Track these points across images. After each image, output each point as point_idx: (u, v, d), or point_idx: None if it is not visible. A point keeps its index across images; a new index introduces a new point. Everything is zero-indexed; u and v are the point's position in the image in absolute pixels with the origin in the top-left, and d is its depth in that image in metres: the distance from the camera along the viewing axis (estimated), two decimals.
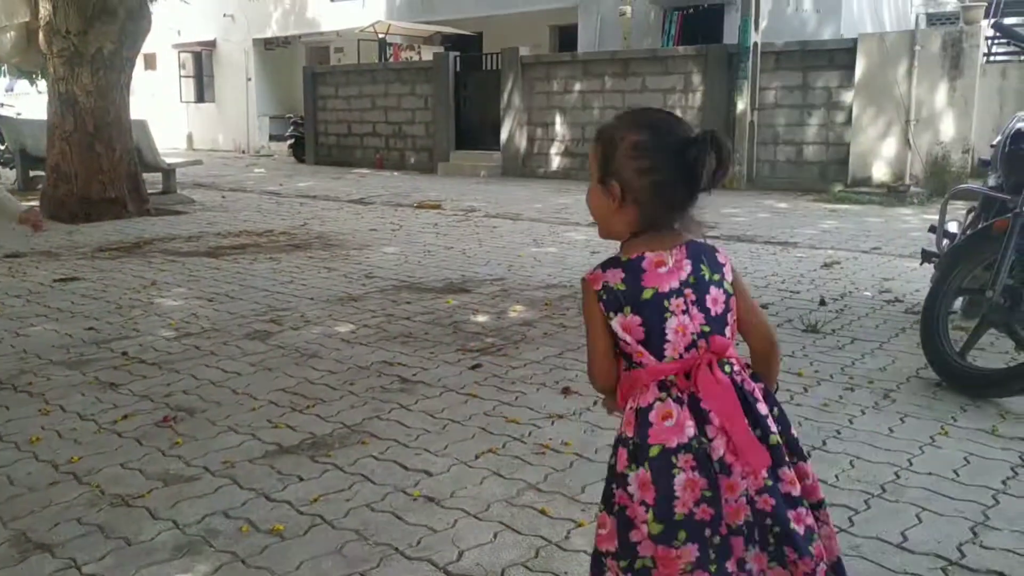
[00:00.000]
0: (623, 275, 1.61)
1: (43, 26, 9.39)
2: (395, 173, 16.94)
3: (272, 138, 24.16)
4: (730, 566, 1.55)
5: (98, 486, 2.75)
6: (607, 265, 1.65)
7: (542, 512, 2.58)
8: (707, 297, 1.59)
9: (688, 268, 1.60)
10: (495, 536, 2.45)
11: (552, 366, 4.06)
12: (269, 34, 24.05)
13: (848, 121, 12.30)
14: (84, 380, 3.86)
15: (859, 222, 9.29)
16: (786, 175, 12.89)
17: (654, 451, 1.55)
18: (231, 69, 25.16)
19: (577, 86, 14.92)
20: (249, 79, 24.62)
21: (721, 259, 1.65)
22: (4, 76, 26.06)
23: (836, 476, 2.83)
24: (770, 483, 1.54)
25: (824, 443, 3.11)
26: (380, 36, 19.58)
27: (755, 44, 12.63)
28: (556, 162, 15.35)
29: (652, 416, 1.57)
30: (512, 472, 2.86)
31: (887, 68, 11.82)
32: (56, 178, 9.50)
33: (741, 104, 12.66)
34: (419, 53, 20.47)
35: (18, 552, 2.35)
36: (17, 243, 7.35)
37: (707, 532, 1.53)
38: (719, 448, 1.53)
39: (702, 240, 1.65)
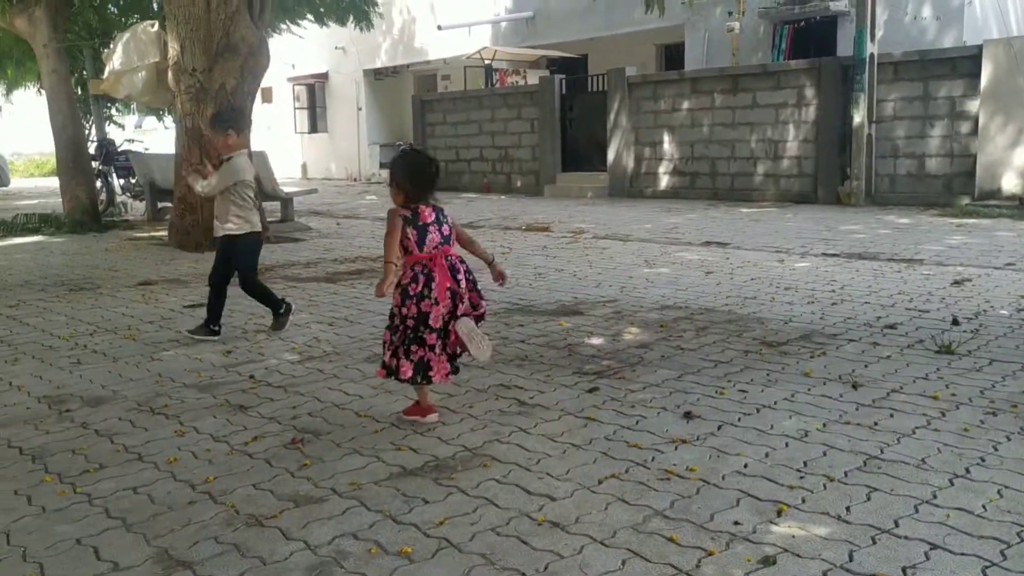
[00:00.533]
0: (409, 213, 3.52)
1: (171, 65, 9.89)
2: (502, 197, 17.09)
3: (382, 165, 24.75)
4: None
5: (233, 506, 2.83)
6: (403, 209, 3.54)
7: (670, 540, 2.52)
8: (443, 227, 3.58)
9: (434, 215, 3.58)
10: (623, 564, 2.40)
11: (672, 389, 3.98)
12: (379, 64, 24.72)
13: (974, 131, 11.73)
14: (215, 403, 4.00)
15: (989, 237, 8.83)
16: (907, 189, 12.39)
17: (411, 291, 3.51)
18: (342, 100, 25.96)
19: (685, 104, 14.75)
20: (360, 109, 25.35)
21: (447, 212, 3.66)
22: (134, 113, 27.64)
23: (983, 507, 2.67)
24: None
25: (967, 471, 2.94)
26: (486, 62, 19.86)
27: (871, 55, 12.22)
28: (664, 181, 15.19)
29: (407, 282, 3.52)
30: (637, 498, 2.80)
31: (1016, 74, 11.24)
32: (183, 209, 9.96)
33: (858, 117, 12.25)
34: (525, 77, 20.64)
35: (162, 569, 2.43)
36: None
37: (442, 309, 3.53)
38: (436, 290, 3.49)
39: (438, 203, 3.62)
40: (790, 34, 15.72)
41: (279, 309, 5.51)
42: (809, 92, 13.23)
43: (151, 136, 25.96)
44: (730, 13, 16.42)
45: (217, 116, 5.80)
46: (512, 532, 2.59)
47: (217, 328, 5.33)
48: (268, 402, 3.98)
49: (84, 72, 16.76)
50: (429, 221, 3.52)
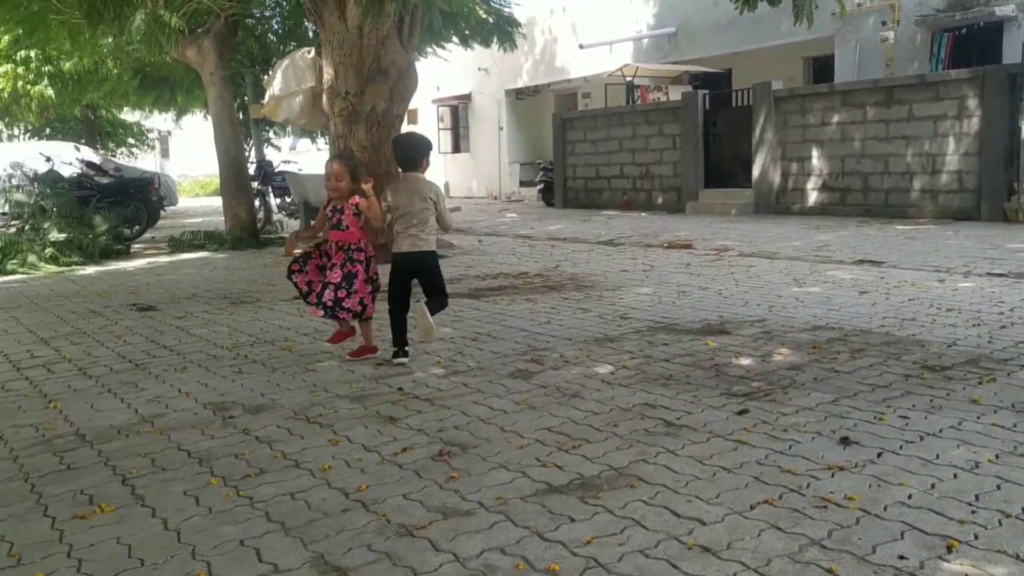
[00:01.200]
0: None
1: (326, 89, 10.36)
2: (642, 214, 16.95)
3: (522, 184, 25.07)
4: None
5: (384, 515, 2.90)
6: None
7: (829, 571, 2.40)
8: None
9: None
10: None
11: (827, 413, 3.82)
12: (520, 84, 25.09)
13: None
14: (366, 413, 4.12)
15: None
16: None
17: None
18: (484, 119, 26.48)
19: (835, 118, 14.22)
20: (501, 128, 25.78)
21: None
22: (290, 136, 29.09)
23: None
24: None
25: None
26: (627, 79, 19.81)
27: None
28: (813, 197, 14.67)
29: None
30: (792, 526, 2.69)
31: None
32: None
33: None
34: (667, 93, 20.46)
35: (318, 573, 2.51)
36: None
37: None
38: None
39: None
40: (950, 42, 14.92)
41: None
42: (971, 103, 12.50)
43: (305, 157, 27.25)
44: (884, 22, 15.77)
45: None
46: (661, 555, 2.54)
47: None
48: (416, 414, 4.07)
49: (246, 97, 17.80)
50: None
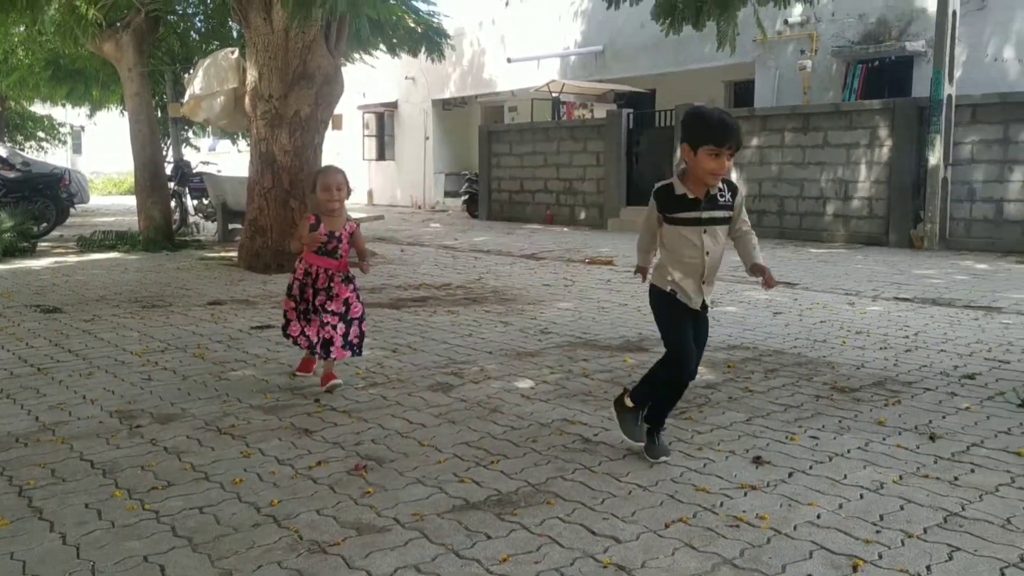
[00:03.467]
0: None
1: (249, 91, 10.16)
2: (565, 229, 17.09)
3: (447, 194, 25.03)
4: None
5: (296, 530, 2.83)
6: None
7: None
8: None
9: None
10: None
11: (740, 432, 3.89)
12: (447, 95, 25.07)
13: None
14: (281, 425, 4.03)
15: None
16: (984, 234, 12.04)
17: None
18: (410, 128, 26.36)
19: (754, 141, 14.60)
20: (427, 138, 25.71)
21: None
22: (209, 136, 28.45)
23: None
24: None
25: None
26: (554, 95, 19.99)
27: (949, 96, 11.97)
28: None
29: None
30: (705, 545, 2.73)
31: None
32: (253, 231, 10.16)
33: (933, 159, 11.98)
34: (592, 110, 20.71)
35: None
36: None
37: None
38: None
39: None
40: (863, 74, 15.50)
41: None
42: (883, 132, 13.00)
43: (224, 159, 26.67)
44: (802, 51, 16.29)
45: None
46: (577, 574, 2.54)
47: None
48: (332, 427, 3.99)
49: (165, 96, 17.35)
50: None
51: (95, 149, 41.18)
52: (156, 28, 13.39)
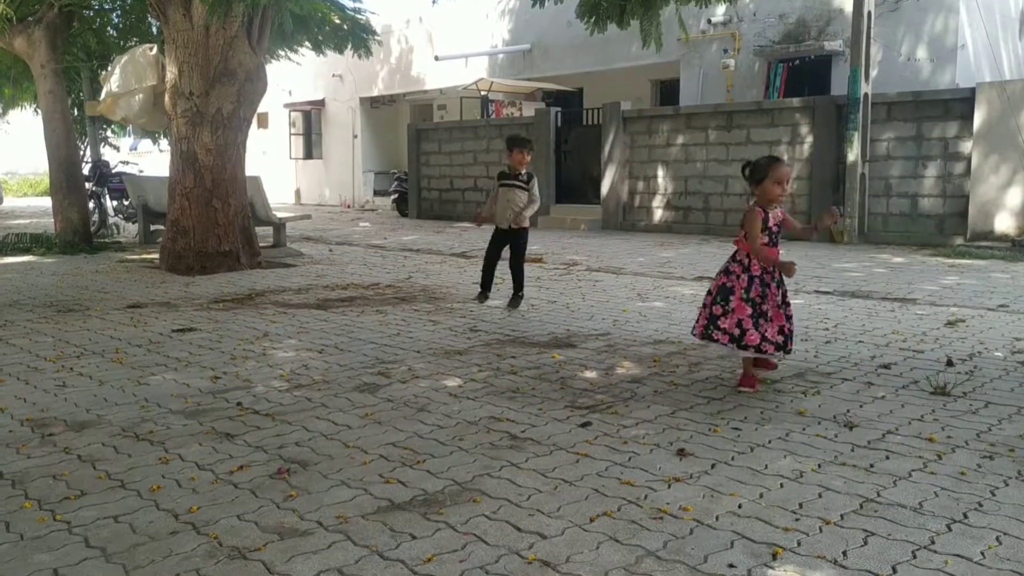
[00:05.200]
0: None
1: (169, 88, 9.90)
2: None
3: (376, 193, 24.82)
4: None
5: (216, 537, 2.77)
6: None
7: None
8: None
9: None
10: None
11: (665, 426, 3.93)
12: (375, 93, 24.85)
13: (967, 172, 11.81)
14: (201, 430, 3.93)
15: (982, 277, 8.84)
16: (900, 228, 12.44)
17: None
18: (338, 127, 26.05)
19: (680, 139, 14.82)
20: (355, 136, 25.44)
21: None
22: (130, 136, 27.69)
23: (981, 553, 2.62)
24: None
25: (965, 516, 2.89)
26: (482, 93, 19.97)
27: (865, 95, 12.32)
28: (658, 215, 15.23)
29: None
30: (630, 538, 2.75)
31: (1009, 117, 11.35)
32: (175, 232, 9.92)
33: (851, 156, 12.33)
34: (520, 109, 20.77)
35: None
36: None
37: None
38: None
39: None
40: (784, 72, 15.85)
41: (520, 291, 7.37)
42: (803, 130, 13.33)
43: (146, 159, 25.99)
44: (725, 51, 16.59)
45: (520, 140, 7.35)
46: (502, 571, 2.53)
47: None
48: (255, 430, 3.91)
49: (81, 93, 16.81)
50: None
51: (9, 149, 39.70)
52: (70, 23, 12.95)
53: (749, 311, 4.45)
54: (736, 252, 4.59)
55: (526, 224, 7.31)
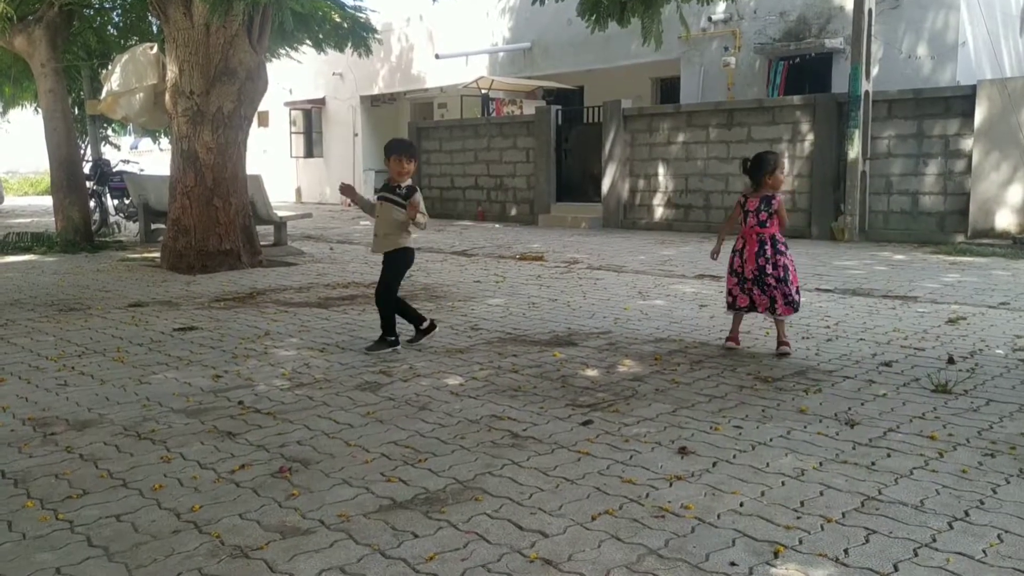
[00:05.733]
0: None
1: (169, 87, 9.90)
2: (496, 225, 17.09)
3: (377, 191, 24.77)
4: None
5: (218, 536, 2.77)
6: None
7: None
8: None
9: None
10: None
11: (666, 424, 3.94)
12: (376, 91, 24.82)
13: (967, 170, 11.81)
14: (203, 428, 3.94)
15: (983, 275, 8.84)
16: (901, 226, 12.43)
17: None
18: (339, 125, 26.03)
19: (680, 137, 14.82)
20: (356, 135, 25.42)
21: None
22: (130, 135, 27.68)
23: (983, 551, 2.62)
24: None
25: (967, 514, 2.89)
26: (483, 91, 19.96)
27: (866, 92, 12.32)
28: (658, 213, 15.23)
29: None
30: (631, 536, 2.75)
31: (1009, 114, 11.34)
32: (176, 231, 9.92)
33: (852, 153, 12.32)
34: (521, 107, 20.74)
35: None
36: None
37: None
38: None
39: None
40: (785, 70, 15.83)
41: (387, 333, 5.63)
42: (804, 127, 13.32)
43: (146, 157, 25.99)
44: (726, 48, 16.57)
45: (398, 144, 5.78)
46: (504, 569, 2.53)
47: (394, 339, 5.64)
48: (256, 429, 3.92)
49: (81, 92, 16.80)
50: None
51: (10, 148, 39.72)
52: (71, 22, 12.94)
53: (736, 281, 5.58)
54: (771, 238, 5.46)
55: (401, 244, 5.68)
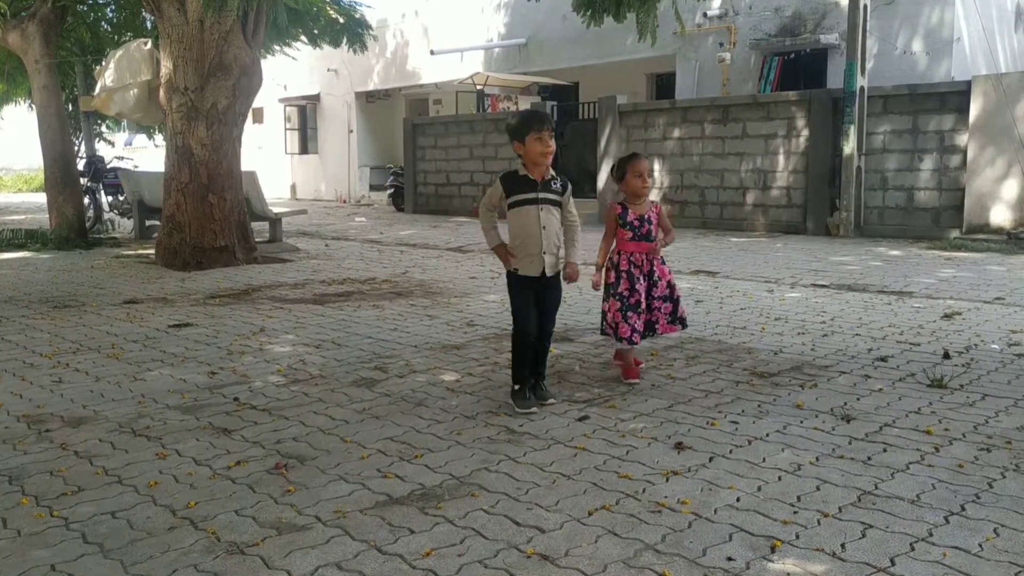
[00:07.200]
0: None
1: (164, 83, 9.87)
2: None
3: (372, 188, 24.77)
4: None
5: (214, 532, 2.76)
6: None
7: (662, 575, 2.46)
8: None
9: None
10: None
11: (662, 419, 3.94)
12: (371, 87, 24.78)
13: (962, 165, 11.82)
14: (198, 425, 3.93)
15: (979, 270, 8.86)
16: (896, 221, 12.45)
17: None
18: (334, 121, 25.99)
19: (676, 133, 14.81)
20: (351, 131, 25.38)
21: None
22: (125, 131, 27.59)
23: (979, 545, 2.62)
24: None
25: (963, 508, 2.89)
26: (478, 87, 19.94)
27: (861, 88, 12.32)
28: None
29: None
30: (628, 531, 2.75)
31: (1005, 109, 11.35)
32: (171, 227, 9.89)
33: (847, 149, 12.32)
34: (516, 103, 20.73)
35: None
36: None
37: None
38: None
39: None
40: (779, 66, 15.84)
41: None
42: (799, 123, 13.32)
43: (141, 154, 25.90)
44: (721, 44, 16.57)
45: (540, 117, 4.73)
46: (500, 565, 2.53)
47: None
48: (252, 425, 3.91)
49: (75, 88, 16.74)
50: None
51: (3, 144, 39.55)
52: (64, 18, 12.89)
53: (618, 305, 4.66)
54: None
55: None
